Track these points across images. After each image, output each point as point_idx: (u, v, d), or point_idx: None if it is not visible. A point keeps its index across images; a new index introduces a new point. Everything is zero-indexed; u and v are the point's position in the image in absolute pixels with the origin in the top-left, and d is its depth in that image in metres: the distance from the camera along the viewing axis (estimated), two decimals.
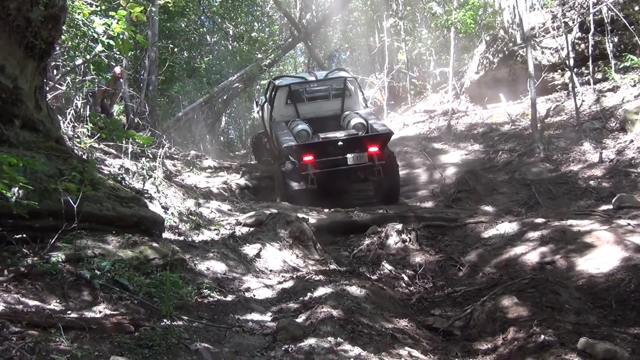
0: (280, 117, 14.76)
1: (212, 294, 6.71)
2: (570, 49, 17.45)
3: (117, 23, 9.22)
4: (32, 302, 5.13)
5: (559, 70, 19.64)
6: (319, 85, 15.48)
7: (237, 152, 29.56)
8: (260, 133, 18.83)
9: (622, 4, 17.98)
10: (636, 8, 17.54)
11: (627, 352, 5.44)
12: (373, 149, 12.93)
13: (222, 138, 36.15)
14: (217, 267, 7.75)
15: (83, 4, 11.59)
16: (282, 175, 13.41)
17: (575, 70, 17.72)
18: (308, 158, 12.73)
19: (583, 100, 17.11)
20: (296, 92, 15.13)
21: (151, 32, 19.60)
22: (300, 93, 15.27)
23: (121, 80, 16.89)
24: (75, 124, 12.87)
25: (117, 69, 16.09)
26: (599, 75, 18.47)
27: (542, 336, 5.69)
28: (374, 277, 8.73)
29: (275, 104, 15.03)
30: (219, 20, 29.63)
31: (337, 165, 12.99)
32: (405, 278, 8.94)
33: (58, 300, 5.38)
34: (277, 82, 15.66)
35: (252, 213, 10.75)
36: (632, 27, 17.27)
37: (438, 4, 27.44)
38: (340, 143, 12.99)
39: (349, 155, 12.93)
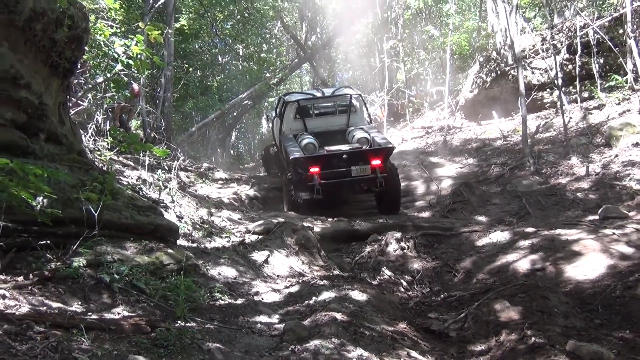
0: (289, 131, 14.72)
1: (223, 298, 6.71)
2: (558, 69, 17.48)
3: (136, 45, 9.27)
4: (55, 304, 5.14)
5: (548, 89, 19.66)
6: (326, 101, 15.43)
7: (246, 165, 29.55)
8: (269, 146, 18.81)
9: (608, 27, 18.01)
10: (620, 31, 17.56)
11: (613, 353, 5.44)
12: (376, 162, 12.89)
13: (232, 151, 36.16)
14: (228, 272, 7.75)
15: (104, 26, 11.63)
16: (289, 186, 13.39)
17: (563, 89, 17.74)
18: (314, 169, 12.70)
19: (570, 118, 17.12)
20: (304, 108, 15.07)
21: (167, 52, 19.66)
22: (309, 108, 15.21)
23: (139, 97, 16.93)
24: (96, 138, 12.91)
25: (135, 86, 16.11)
26: (586, 94, 18.48)
27: (533, 338, 5.68)
28: (375, 283, 8.73)
29: (284, 118, 14.99)
30: (231, 41, 29.71)
31: (342, 177, 12.95)
32: (404, 283, 8.93)
33: (79, 303, 5.39)
34: (286, 98, 15.63)
35: (261, 222, 10.75)
36: (617, 49, 17.29)
37: (435, 27, 27.54)
38: (344, 156, 12.94)
39: (352, 168, 12.88)
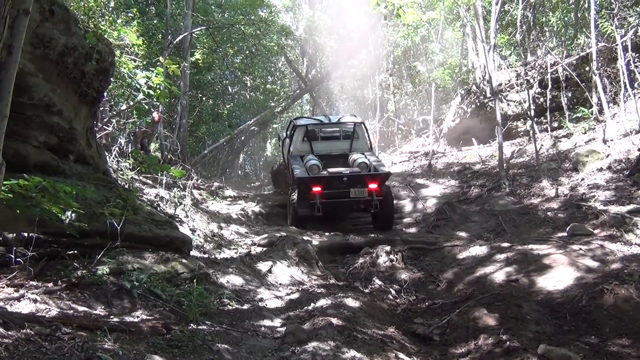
0: (297, 152, 14.56)
1: (231, 303, 6.70)
2: (531, 102, 17.57)
3: (156, 76, 9.32)
4: (81, 308, 5.14)
5: (522, 120, 19.75)
6: (331, 127, 15.29)
7: (252, 184, 29.55)
8: (279, 164, 18.70)
9: (575, 65, 18.15)
10: (587, 68, 17.69)
11: (580, 357, 5.44)
12: (373, 185, 12.72)
13: (240, 172, 36.19)
14: (235, 280, 7.74)
15: (128, 59, 11.71)
16: (293, 202, 13.29)
17: (535, 119, 17.81)
18: (316, 189, 12.56)
19: (542, 145, 17.18)
20: (312, 132, 14.88)
21: (183, 83, 19.74)
22: (316, 132, 15.02)
23: (158, 123, 16.98)
24: (119, 159, 12.93)
25: (155, 114, 16.16)
26: (555, 124, 18.58)
27: (508, 342, 5.68)
28: (367, 291, 8.69)
29: (293, 140, 14.84)
30: (240, 74, 29.86)
31: (341, 197, 12.81)
32: (393, 292, 8.90)
33: (103, 307, 5.39)
34: (296, 121, 15.53)
35: (265, 235, 10.76)
36: (583, 84, 17.43)
37: (421, 63, 27.69)
38: (345, 178, 12.79)
39: (351, 190, 12.72)
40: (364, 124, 15.38)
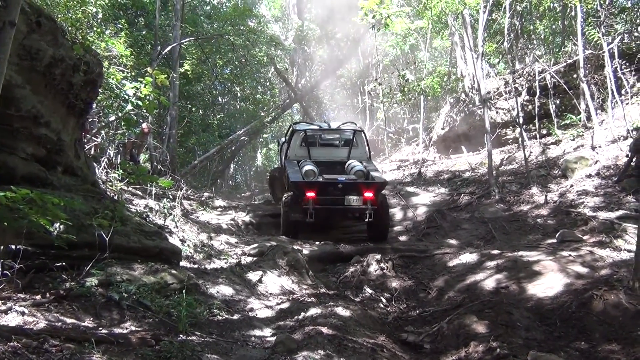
0: (294, 157, 14.43)
1: (221, 314, 6.68)
2: (519, 109, 17.67)
3: (145, 87, 9.31)
4: (69, 320, 5.12)
5: (511, 127, 19.85)
6: (330, 134, 15.16)
7: (243, 194, 29.49)
8: (275, 169, 18.60)
9: (563, 72, 18.29)
10: (574, 75, 17.82)
11: None
12: (368, 194, 12.56)
13: (230, 182, 36.14)
14: (225, 290, 7.72)
15: (116, 70, 11.68)
16: (286, 207, 13.21)
17: (524, 126, 17.90)
18: (310, 194, 12.46)
19: (531, 152, 17.27)
20: (310, 137, 14.73)
21: (172, 94, 19.71)
22: (314, 138, 14.88)
23: (147, 134, 16.93)
24: (108, 170, 12.88)
25: (144, 125, 16.10)
26: (544, 131, 18.69)
27: (498, 350, 5.69)
28: (357, 300, 8.70)
29: (291, 144, 14.71)
30: (229, 84, 29.90)
31: (335, 204, 12.69)
32: (383, 300, 8.91)
33: (91, 319, 5.37)
34: (296, 126, 15.45)
35: (255, 245, 10.73)
36: (571, 91, 17.57)
37: (410, 72, 27.79)
38: (340, 185, 12.70)
39: (346, 197, 12.60)
40: (364, 132, 15.24)
